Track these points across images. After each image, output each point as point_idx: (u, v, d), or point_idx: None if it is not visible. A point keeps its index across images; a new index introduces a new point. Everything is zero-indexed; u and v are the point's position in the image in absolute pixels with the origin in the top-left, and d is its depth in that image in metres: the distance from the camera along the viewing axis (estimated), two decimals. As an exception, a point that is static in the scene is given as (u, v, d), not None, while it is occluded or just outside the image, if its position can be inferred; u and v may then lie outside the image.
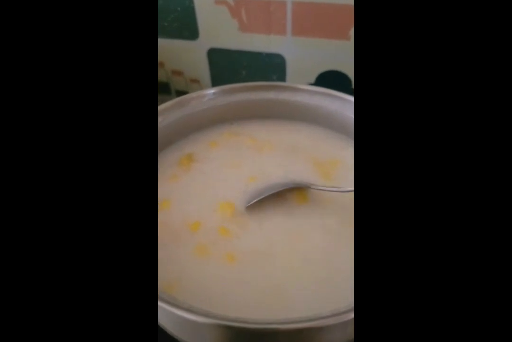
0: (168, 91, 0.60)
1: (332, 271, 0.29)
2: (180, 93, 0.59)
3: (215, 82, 0.57)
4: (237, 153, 0.39)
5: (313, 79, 0.52)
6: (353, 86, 0.52)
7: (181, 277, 0.29)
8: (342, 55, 0.50)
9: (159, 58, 0.55)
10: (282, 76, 0.53)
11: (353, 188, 0.31)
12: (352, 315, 0.21)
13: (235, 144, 0.40)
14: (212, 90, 0.40)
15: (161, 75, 0.57)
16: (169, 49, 0.54)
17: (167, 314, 0.24)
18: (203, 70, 0.55)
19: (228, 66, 0.54)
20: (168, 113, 0.38)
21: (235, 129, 0.42)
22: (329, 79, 0.52)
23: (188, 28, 0.52)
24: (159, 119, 0.38)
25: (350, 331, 0.23)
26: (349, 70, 0.51)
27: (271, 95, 0.41)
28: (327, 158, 0.39)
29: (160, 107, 0.38)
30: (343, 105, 0.40)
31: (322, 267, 0.29)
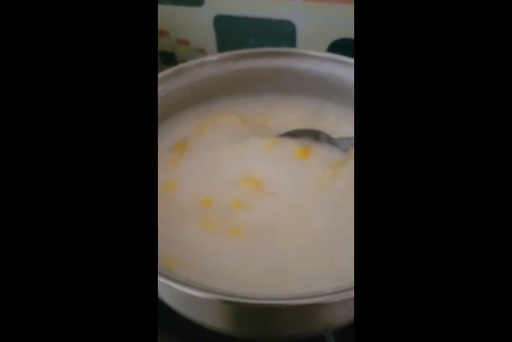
0: (174, 61, 0.57)
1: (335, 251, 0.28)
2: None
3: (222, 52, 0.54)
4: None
5: (325, 48, 0.49)
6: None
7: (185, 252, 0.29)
8: (356, 22, 0.46)
9: (163, 27, 0.53)
10: (292, 45, 0.51)
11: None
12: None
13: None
14: (215, 57, 0.38)
15: (166, 45, 0.55)
16: (173, 17, 0.51)
17: (169, 290, 0.24)
18: (209, 39, 0.53)
19: (236, 35, 0.51)
20: (168, 82, 0.36)
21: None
22: (343, 48, 0.49)
23: (192, -7, 0.49)
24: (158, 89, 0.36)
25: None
26: (364, 38, 0.48)
27: (278, 62, 0.39)
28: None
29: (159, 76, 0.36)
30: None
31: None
